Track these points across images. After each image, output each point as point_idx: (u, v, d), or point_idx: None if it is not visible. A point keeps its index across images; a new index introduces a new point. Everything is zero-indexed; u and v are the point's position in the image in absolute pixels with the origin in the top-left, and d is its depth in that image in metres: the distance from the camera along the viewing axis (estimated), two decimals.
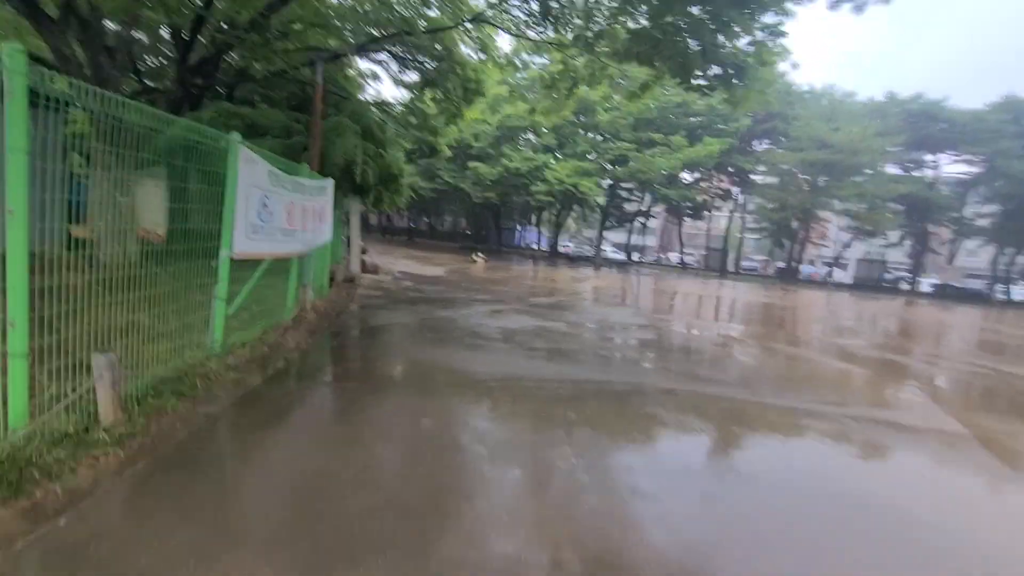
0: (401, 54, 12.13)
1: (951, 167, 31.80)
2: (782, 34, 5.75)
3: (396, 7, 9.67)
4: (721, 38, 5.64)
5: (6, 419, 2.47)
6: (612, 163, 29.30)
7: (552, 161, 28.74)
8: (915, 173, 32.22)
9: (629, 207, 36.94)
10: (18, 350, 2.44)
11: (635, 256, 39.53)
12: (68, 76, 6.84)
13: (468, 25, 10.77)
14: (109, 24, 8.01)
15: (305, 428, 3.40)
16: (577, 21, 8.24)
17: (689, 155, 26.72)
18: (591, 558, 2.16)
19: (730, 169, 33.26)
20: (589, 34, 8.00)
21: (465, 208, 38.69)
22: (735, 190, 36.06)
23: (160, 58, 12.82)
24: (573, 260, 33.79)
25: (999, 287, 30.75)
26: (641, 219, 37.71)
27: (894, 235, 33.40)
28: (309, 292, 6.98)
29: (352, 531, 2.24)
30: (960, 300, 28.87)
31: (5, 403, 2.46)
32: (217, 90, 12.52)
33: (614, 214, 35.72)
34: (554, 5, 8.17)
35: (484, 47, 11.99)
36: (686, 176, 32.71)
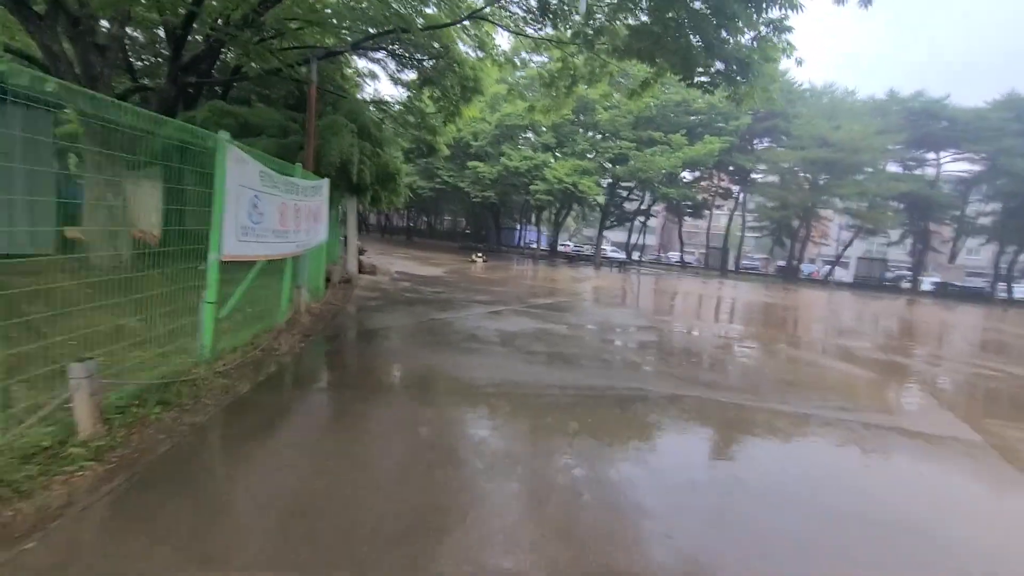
0: (399, 52, 11.97)
1: (953, 165, 31.68)
2: (787, 29, 5.59)
3: (393, 4, 9.52)
4: (724, 33, 5.49)
5: None
6: (612, 162, 29.13)
7: (551, 160, 28.58)
8: (916, 171, 32.10)
9: (629, 206, 36.79)
10: None
11: (635, 255, 39.37)
12: (57, 74, 6.63)
13: (466, 23, 10.61)
14: (104, 22, 7.86)
15: (294, 440, 3.26)
16: (576, 18, 8.09)
17: (689, 154, 26.55)
18: None
19: (730, 168, 33.12)
20: (589, 31, 7.85)
21: (464, 208, 38.54)
22: (735, 189, 35.92)
23: (157, 57, 12.67)
24: (573, 259, 33.64)
25: (1001, 286, 30.60)
26: (641, 218, 37.56)
27: (895, 234, 33.28)
28: (304, 294, 6.84)
29: (341, 554, 2.11)
30: (961, 299, 28.74)
31: None
32: (214, 89, 12.37)
33: (614, 213, 35.56)
34: (553, 1, 8.02)
35: (482, 45, 11.83)
36: (686, 175, 32.55)
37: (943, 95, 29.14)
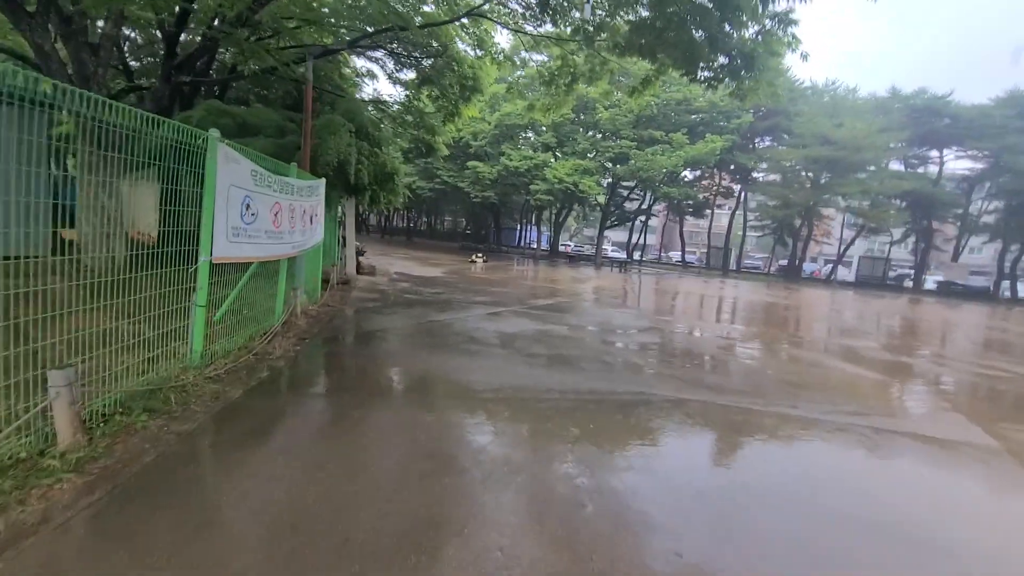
0: (397, 50, 11.86)
1: (956, 163, 31.49)
2: (793, 22, 5.46)
3: (392, 2, 9.40)
4: (728, 27, 5.35)
5: None
6: (612, 161, 28.99)
7: (552, 160, 28.45)
8: (919, 170, 31.92)
9: (630, 206, 36.65)
10: None
11: (636, 255, 39.23)
12: (49, 73, 6.50)
13: (464, 20, 10.49)
14: (97, 21, 7.76)
15: (285, 448, 3.14)
16: (576, 14, 7.96)
17: (691, 152, 26.39)
18: None
19: (732, 167, 32.97)
20: (589, 27, 7.73)
21: (465, 208, 38.43)
22: (737, 188, 35.76)
23: (155, 58, 12.57)
24: (573, 259, 33.50)
25: (1004, 284, 30.39)
26: (642, 218, 37.42)
27: (897, 232, 33.10)
28: (300, 296, 6.73)
29: (332, 571, 1.99)
30: (965, 298, 28.55)
31: None
32: (212, 89, 12.27)
33: (615, 213, 35.41)
34: None
35: (481, 43, 11.71)
36: (687, 174, 32.42)
37: (946, 92, 28.97)
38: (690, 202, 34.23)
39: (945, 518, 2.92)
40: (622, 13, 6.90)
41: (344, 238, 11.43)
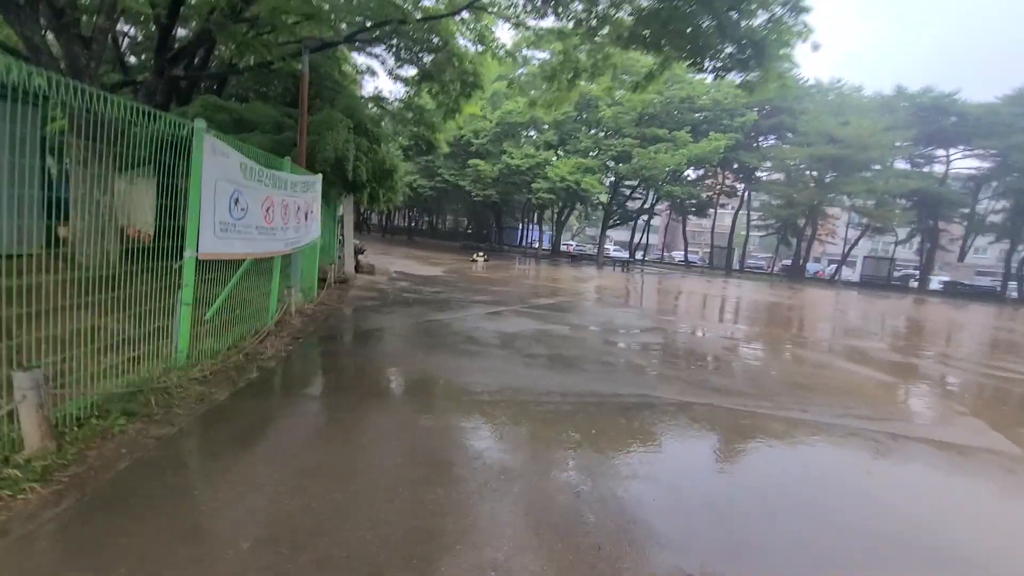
0: (397, 45, 11.69)
1: (962, 162, 31.14)
2: (805, 10, 5.24)
3: None
4: (735, 15, 5.15)
5: None
6: (615, 160, 28.76)
7: (553, 158, 28.25)
8: (925, 168, 31.58)
9: (632, 205, 36.42)
10: None
11: (639, 254, 39.00)
12: (39, 67, 6.35)
13: (465, 15, 10.31)
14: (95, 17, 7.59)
15: (270, 454, 2.97)
16: (578, 6, 7.77)
17: (694, 151, 26.16)
18: None
19: (736, 165, 32.71)
20: (593, 21, 7.54)
21: (466, 207, 38.28)
22: (740, 187, 35.49)
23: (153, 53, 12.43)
24: (575, 259, 33.30)
25: (1012, 285, 30.04)
26: (645, 217, 37.18)
27: (903, 232, 32.77)
28: (295, 294, 6.58)
29: None
30: (971, 298, 28.21)
31: None
32: (211, 85, 12.12)
33: (617, 212, 35.19)
34: None
35: (482, 39, 11.53)
36: (691, 173, 32.17)
37: (953, 90, 28.64)
38: (693, 201, 33.99)
39: (980, 533, 2.73)
40: (626, 4, 6.71)
41: (343, 236, 11.29)
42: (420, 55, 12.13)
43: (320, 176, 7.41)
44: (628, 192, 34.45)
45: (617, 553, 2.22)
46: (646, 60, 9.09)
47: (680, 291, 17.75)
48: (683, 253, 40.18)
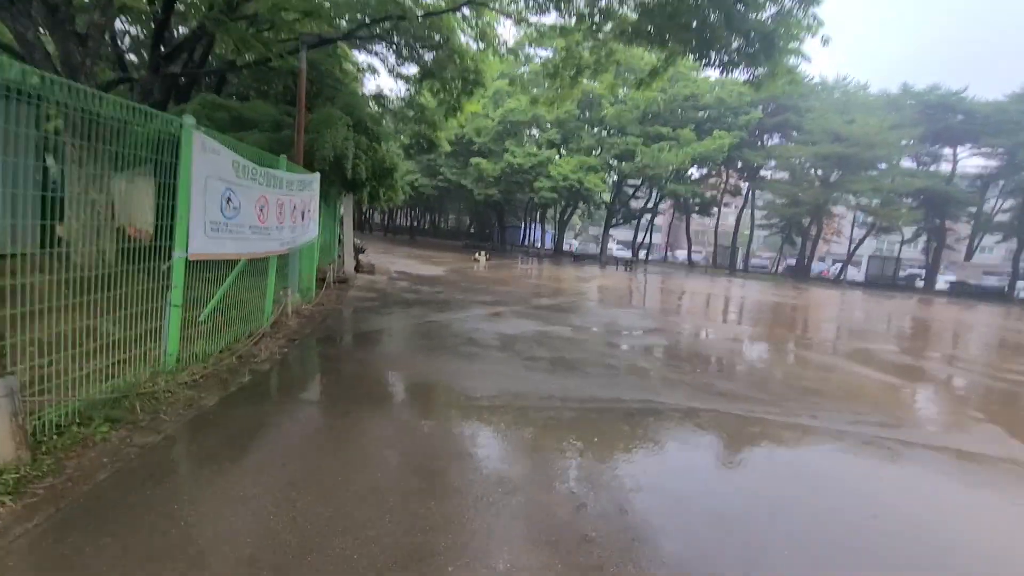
0: (397, 42, 11.56)
1: (970, 160, 30.78)
2: (814, 1, 5.06)
3: None
4: (742, 7, 4.97)
5: None
6: (618, 158, 28.57)
7: (556, 157, 28.07)
8: (932, 167, 31.24)
9: (635, 203, 36.20)
10: None
11: (642, 254, 38.78)
12: (32, 63, 6.19)
13: (466, 12, 10.16)
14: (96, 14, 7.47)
15: (257, 464, 2.85)
16: (580, 1, 7.60)
17: (698, 149, 25.94)
18: None
19: (740, 164, 32.45)
20: (597, 16, 7.38)
21: (468, 206, 38.11)
22: (745, 185, 35.21)
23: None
24: (578, 258, 33.12)
25: (1020, 284, 29.66)
26: (648, 216, 36.96)
27: (909, 231, 32.43)
28: (291, 295, 6.46)
29: None
30: (979, 298, 27.86)
31: None
32: (210, 83, 12.01)
33: (620, 211, 34.99)
34: None
35: (483, 36, 11.38)
36: (694, 171, 31.94)
37: (960, 88, 28.28)
38: (697, 200, 33.75)
39: (1015, 553, 2.58)
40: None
41: (343, 236, 11.17)
42: (421, 52, 11.99)
43: (318, 175, 7.29)
44: (631, 191, 34.25)
45: (621, 575, 2.08)
46: (649, 57, 8.93)
47: (683, 291, 17.56)
48: (686, 252, 39.95)
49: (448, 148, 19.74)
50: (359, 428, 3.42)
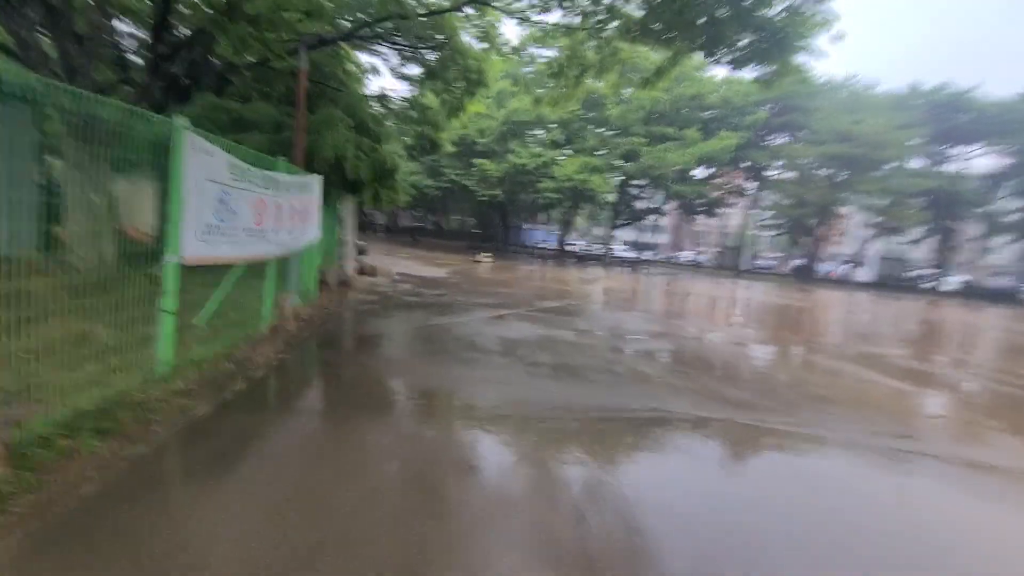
0: (399, 42, 11.47)
1: (979, 160, 30.38)
2: None
3: None
4: (748, 2, 4.81)
5: None
6: (622, 159, 28.39)
7: (560, 157, 27.93)
8: (941, 167, 30.86)
9: (640, 204, 35.99)
10: None
11: (646, 255, 38.55)
12: (29, 64, 6.09)
13: (468, 10, 10.05)
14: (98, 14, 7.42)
15: (247, 479, 2.73)
16: (585, 1, 7.46)
17: (703, 149, 25.74)
18: None
19: (745, 164, 32.17)
20: (602, 15, 7.24)
21: (472, 207, 38.02)
22: (750, 186, 34.93)
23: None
24: (582, 259, 32.96)
25: None
26: (652, 217, 36.74)
27: (918, 232, 32.04)
28: (291, 298, 6.36)
29: None
30: (988, 300, 27.46)
31: None
32: (211, 84, 11.96)
33: (624, 212, 34.78)
34: None
35: (486, 35, 11.27)
36: (699, 172, 31.69)
37: (969, 87, 27.94)
38: (702, 200, 33.50)
39: None
40: None
41: (344, 237, 11.08)
42: (424, 53, 11.90)
43: (319, 177, 7.20)
44: (636, 191, 34.03)
45: None
46: (654, 57, 8.77)
47: (689, 293, 17.37)
48: (691, 253, 39.68)
49: (451, 149, 19.65)
50: (354, 440, 3.30)
